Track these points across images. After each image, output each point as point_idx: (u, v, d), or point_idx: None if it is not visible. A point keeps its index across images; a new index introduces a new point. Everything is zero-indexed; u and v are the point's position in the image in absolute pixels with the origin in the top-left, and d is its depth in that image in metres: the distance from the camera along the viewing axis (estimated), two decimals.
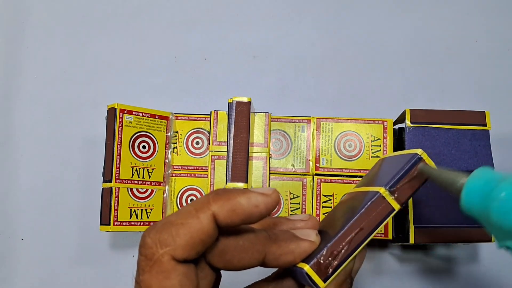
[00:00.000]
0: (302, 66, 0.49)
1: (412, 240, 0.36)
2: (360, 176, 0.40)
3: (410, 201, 0.37)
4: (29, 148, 0.48)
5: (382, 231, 0.39)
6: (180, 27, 0.50)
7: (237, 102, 0.38)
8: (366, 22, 0.49)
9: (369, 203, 0.25)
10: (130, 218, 0.39)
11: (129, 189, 0.39)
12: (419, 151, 0.26)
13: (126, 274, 0.45)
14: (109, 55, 0.49)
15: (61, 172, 0.47)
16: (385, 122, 0.41)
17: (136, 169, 0.39)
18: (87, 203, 0.46)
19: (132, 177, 0.39)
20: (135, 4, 0.50)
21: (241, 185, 0.37)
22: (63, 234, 0.46)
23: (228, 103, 0.38)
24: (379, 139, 0.40)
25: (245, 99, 0.38)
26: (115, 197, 0.38)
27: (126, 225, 0.38)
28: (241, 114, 0.38)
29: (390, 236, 0.39)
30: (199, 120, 0.42)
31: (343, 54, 0.49)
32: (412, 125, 0.38)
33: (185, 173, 0.41)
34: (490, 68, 0.48)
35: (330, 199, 0.40)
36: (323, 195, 0.40)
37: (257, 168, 0.39)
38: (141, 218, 0.39)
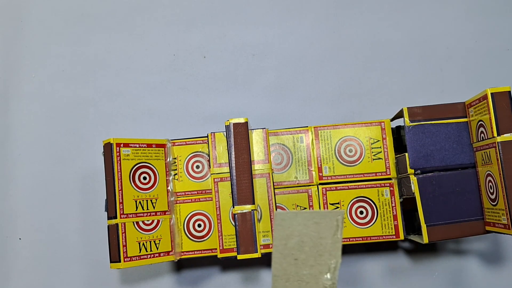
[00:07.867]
0: (301, 65, 0.48)
1: (426, 240, 0.36)
2: (364, 181, 0.40)
3: (418, 200, 0.37)
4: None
5: (393, 233, 0.39)
6: (180, 25, 0.50)
7: (234, 124, 0.38)
8: (365, 22, 0.49)
9: None
10: (140, 252, 0.38)
11: (134, 222, 0.38)
12: None
13: None
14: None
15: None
16: (383, 123, 0.40)
17: (140, 202, 0.39)
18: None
19: (136, 210, 0.38)
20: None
21: (248, 207, 0.36)
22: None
23: (225, 125, 0.38)
24: (378, 140, 0.40)
25: (241, 120, 0.38)
26: (122, 233, 0.37)
27: (136, 259, 0.38)
28: (240, 135, 0.37)
29: (401, 237, 0.39)
30: (196, 143, 0.41)
31: (342, 53, 0.49)
32: (411, 123, 0.38)
33: (189, 199, 0.41)
34: (490, 68, 0.48)
35: (338, 207, 0.39)
36: (330, 204, 0.40)
37: (261, 185, 0.39)
38: (151, 251, 0.39)
